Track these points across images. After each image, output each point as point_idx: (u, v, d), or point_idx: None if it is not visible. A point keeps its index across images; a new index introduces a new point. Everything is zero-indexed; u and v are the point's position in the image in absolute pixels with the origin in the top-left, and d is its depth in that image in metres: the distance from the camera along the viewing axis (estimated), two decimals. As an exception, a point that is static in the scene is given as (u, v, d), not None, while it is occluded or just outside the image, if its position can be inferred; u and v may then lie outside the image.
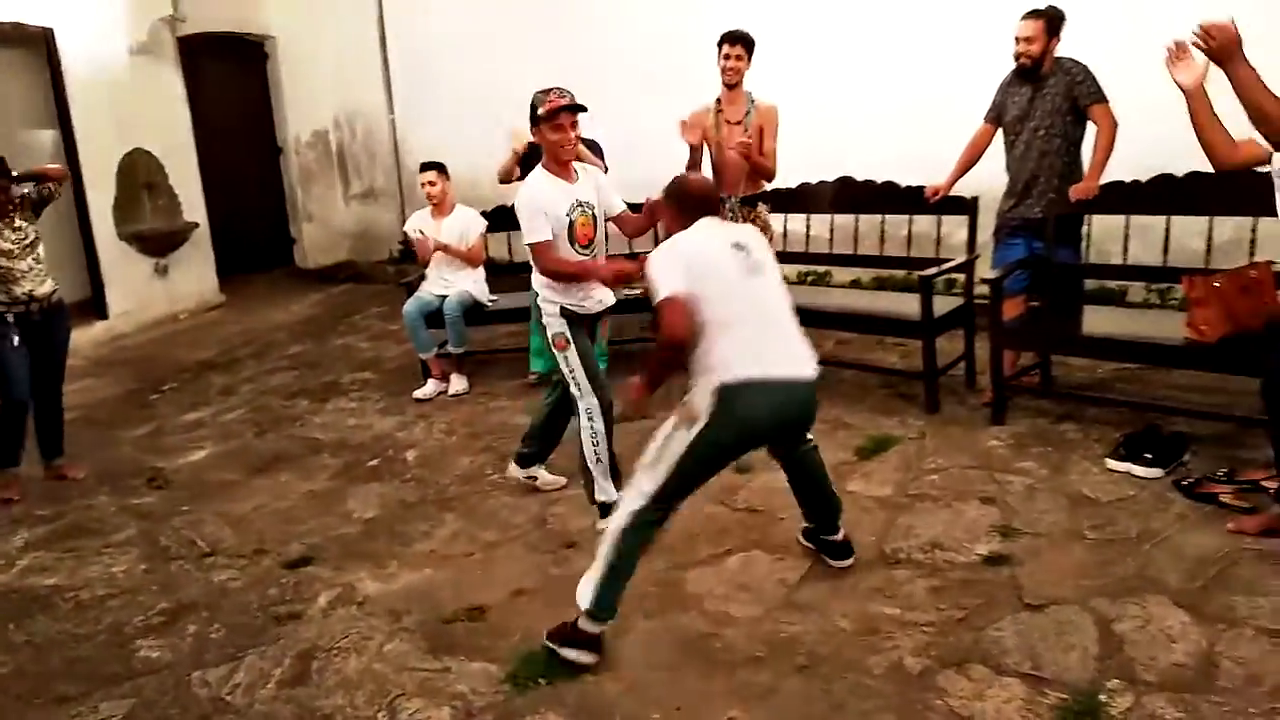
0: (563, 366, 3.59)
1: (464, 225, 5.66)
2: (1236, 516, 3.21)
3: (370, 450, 4.69)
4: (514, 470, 4.07)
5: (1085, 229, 4.46)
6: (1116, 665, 2.55)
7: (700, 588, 3.14)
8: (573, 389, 3.58)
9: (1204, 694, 2.40)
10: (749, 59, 4.70)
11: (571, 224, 3.51)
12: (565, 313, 3.54)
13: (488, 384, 5.58)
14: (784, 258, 5.32)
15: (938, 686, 2.53)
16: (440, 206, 5.67)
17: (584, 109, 3.47)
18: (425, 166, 5.71)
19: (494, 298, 5.73)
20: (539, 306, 3.62)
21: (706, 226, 2.95)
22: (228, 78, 8.97)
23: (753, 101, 4.75)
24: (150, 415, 5.51)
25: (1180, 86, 2.93)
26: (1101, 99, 4.20)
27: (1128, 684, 2.46)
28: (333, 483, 4.34)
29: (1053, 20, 4.23)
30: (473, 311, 5.59)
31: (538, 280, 3.59)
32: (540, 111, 3.42)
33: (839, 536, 3.20)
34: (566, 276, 3.51)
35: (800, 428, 3.01)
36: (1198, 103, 2.91)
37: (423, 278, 5.73)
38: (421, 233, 5.55)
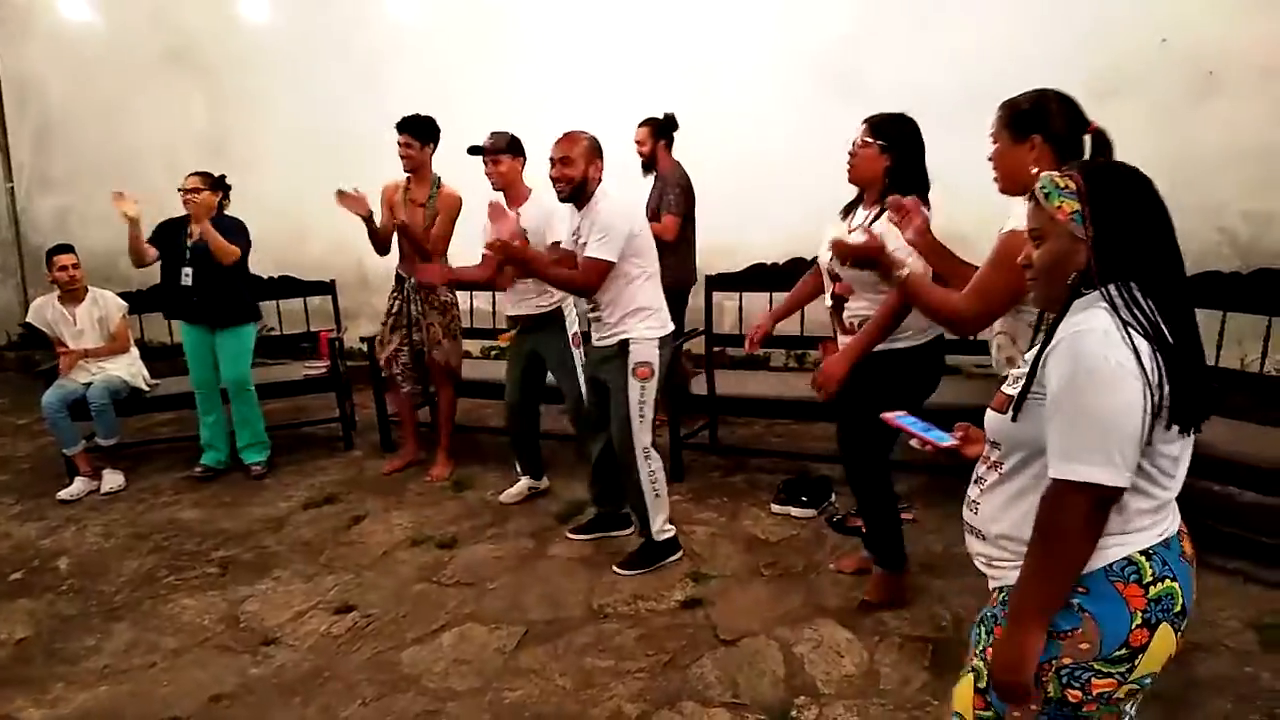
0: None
1: (102, 311, 5.16)
2: (838, 556, 3.73)
3: (10, 562, 4.10)
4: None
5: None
6: (801, 683, 2.90)
7: (417, 667, 3.12)
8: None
9: (871, 698, 2.81)
10: (421, 146, 4.67)
11: None
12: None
13: (148, 478, 5.10)
14: (471, 333, 5.52)
15: (655, 727, 2.74)
16: (75, 293, 5.13)
17: (480, 151, 4.17)
18: (60, 250, 5.11)
19: (154, 381, 5.28)
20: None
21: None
22: None
23: (437, 186, 4.78)
24: None
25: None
26: (672, 211, 5.00)
27: (811, 698, 2.82)
28: (-35, 604, 3.75)
29: (660, 126, 5.07)
30: (127, 399, 5.10)
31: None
32: None
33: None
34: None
35: None
36: (912, 290, 2.50)
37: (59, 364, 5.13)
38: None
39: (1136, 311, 1.46)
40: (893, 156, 3.04)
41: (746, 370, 5.73)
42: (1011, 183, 2.38)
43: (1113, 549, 1.50)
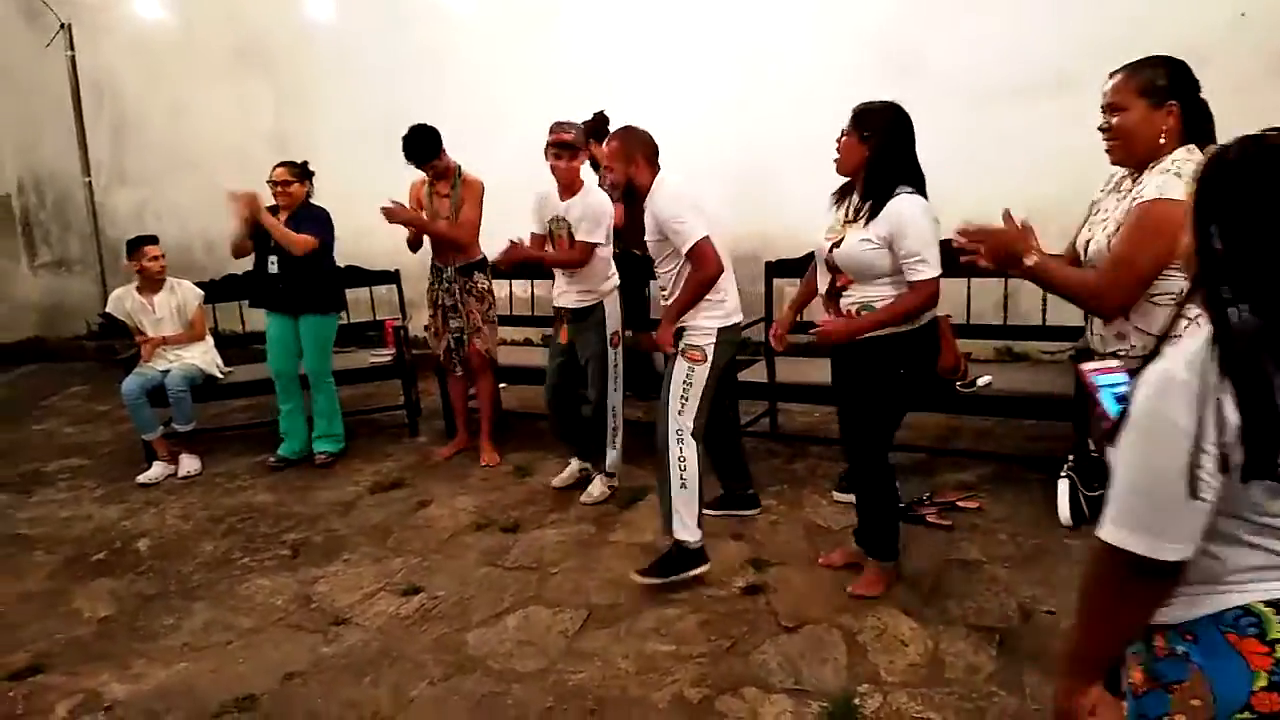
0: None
1: (179, 299, 5.33)
2: (826, 553, 3.66)
3: (93, 543, 4.27)
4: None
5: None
6: (864, 671, 2.89)
7: (482, 649, 3.17)
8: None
9: (936, 686, 2.78)
10: (430, 163, 4.75)
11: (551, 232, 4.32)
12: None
13: (224, 463, 5.26)
14: (517, 320, 5.59)
15: (717, 711, 2.74)
16: (155, 282, 5.30)
17: (565, 144, 4.13)
18: (148, 240, 5.30)
19: (228, 369, 5.43)
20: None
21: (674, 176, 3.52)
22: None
23: (459, 175, 4.86)
24: None
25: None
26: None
27: (875, 686, 2.80)
28: (52, 582, 3.92)
29: (591, 129, 4.84)
30: (203, 385, 5.26)
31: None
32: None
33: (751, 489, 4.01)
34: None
35: None
36: (1044, 275, 2.30)
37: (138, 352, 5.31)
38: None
39: (1228, 344, 1.20)
40: (872, 146, 3.02)
41: (807, 357, 5.69)
42: (1136, 153, 2.27)
43: (1226, 595, 1.30)
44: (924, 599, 3.28)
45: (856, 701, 2.73)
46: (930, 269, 2.97)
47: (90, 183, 8.52)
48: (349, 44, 7.28)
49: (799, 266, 4.91)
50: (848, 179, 3.19)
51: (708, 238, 3.42)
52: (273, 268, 4.97)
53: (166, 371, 5.16)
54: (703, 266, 3.44)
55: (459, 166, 4.88)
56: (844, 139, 3.08)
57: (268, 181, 4.96)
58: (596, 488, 4.40)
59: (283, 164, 5.02)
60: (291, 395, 5.19)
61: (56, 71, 8.30)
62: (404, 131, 4.71)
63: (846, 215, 3.13)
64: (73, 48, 8.28)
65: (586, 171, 4.48)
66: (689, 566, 3.45)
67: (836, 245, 3.10)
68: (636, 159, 3.52)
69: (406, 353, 5.59)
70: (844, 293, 3.13)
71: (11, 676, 3.16)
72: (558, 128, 4.21)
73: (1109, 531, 1.30)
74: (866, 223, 3.03)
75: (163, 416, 5.15)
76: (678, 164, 5.15)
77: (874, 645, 3.02)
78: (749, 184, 6.02)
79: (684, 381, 3.45)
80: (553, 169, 4.23)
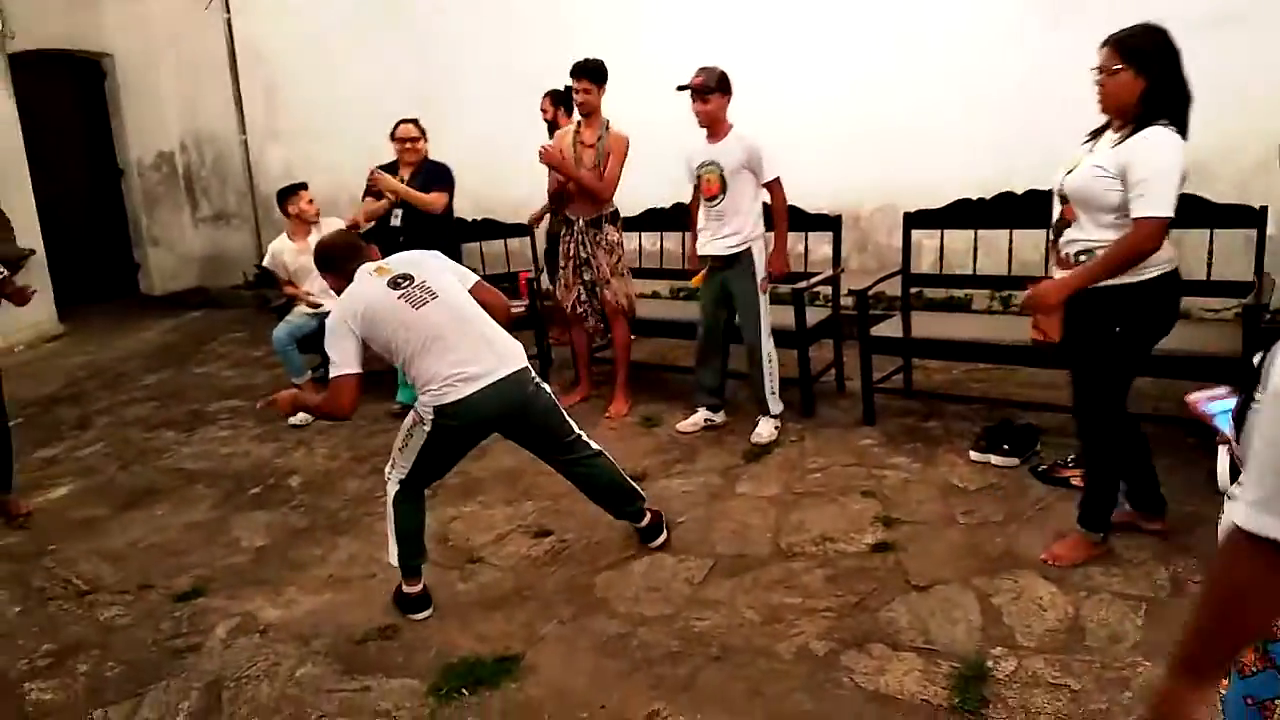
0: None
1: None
2: (961, 512, 3.56)
3: (250, 478, 4.55)
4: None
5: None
6: (998, 634, 2.79)
7: (609, 592, 3.23)
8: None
9: (1075, 654, 2.67)
10: (598, 90, 4.76)
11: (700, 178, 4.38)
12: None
13: (365, 406, 5.44)
14: (646, 273, 5.58)
15: (843, 665, 2.71)
16: (308, 225, 5.55)
17: (695, 88, 4.22)
18: (301, 186, 5.61)
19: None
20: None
21: (364, 277, 3.20)
22: (62, 98, 8.49)
23: (607, 128, 4.84)
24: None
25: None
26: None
27: (1009, 650, 2.71)
28: (214, 513, 4.20)
29: (560, 96, 5.03)
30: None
31: None
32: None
33: (644, 522, 3.48)
34: None
35: (522, 416, 3.18)
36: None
37: (291, 301, 5.59)
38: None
39: None
40: (1149, 78, 2.71)
41: (945, 312, 5.51)
42: None
43: None
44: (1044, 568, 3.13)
45: (989, 664, 2.65)
46: (1155, 205, 2.68)
47: (246, 140, 8.97)
48: (491, 4, 7.37)
49: (938, 218, 4.76)
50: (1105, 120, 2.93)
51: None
52: (395, 221, 5.11)
53: (318, 319, 5.41)
54: None
55: (607, 120, 4.86)
56: (1110, 76, 2.77)
57: (392, 139, 5.08)
58: (765, 428, 4.48)
59: (409, 121, 5.12)
60: None
61: (215, 34, 8.74)
62: (541, 91, 4.77)
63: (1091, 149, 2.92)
64: (229, 10, 8.69)
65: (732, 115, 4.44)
66: (407, 609, 3.20)
67: (1070, 174, 2.92)
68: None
69: (539, 304, 5.68)
70: (1066, 232, 2.94)
71: (178, 598, 3.42)
72: (695, 74, 4.29)
73: (1244, 516, 1.12)
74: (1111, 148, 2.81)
75: (309, 363, 5.41)
76: (834, 117, 5.01)
77: (1010, 609, 2.92)
78: (890, 131, 5.82)
79: (407, 433, 3.18)
80: (695, 114, 4.35)
